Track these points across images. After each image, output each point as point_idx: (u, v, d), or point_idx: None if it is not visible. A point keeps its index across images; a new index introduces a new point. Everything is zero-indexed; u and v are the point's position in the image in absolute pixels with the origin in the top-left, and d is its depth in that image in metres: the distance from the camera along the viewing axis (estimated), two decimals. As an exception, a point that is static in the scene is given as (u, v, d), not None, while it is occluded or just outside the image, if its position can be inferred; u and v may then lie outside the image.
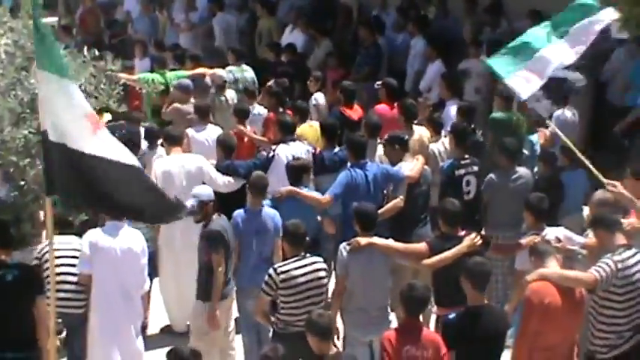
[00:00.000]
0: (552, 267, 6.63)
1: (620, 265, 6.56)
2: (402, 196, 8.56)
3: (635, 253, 6.71)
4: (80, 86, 7.56)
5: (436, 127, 9.84)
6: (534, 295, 6.45)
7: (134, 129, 10.02)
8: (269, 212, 8.08)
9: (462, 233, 7.38)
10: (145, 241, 7.68)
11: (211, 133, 10.10)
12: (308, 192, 8.45)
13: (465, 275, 6.49)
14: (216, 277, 7.63)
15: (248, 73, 12.71)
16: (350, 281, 7.23)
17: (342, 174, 8.55)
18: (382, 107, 10.79)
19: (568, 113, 10.65)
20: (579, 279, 6.57)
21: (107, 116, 10.16)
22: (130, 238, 7.46)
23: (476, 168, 8.97)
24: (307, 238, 7.40)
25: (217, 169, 9.02)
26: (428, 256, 7.21)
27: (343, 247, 7.28)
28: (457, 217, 7.44)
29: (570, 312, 6.48)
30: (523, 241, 7.48)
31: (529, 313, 6.44)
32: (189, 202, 7.52)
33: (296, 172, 8.47)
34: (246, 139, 10.37)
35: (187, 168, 8.91)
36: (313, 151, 9.42)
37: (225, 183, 8.97)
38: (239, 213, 8.04)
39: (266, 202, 8.21)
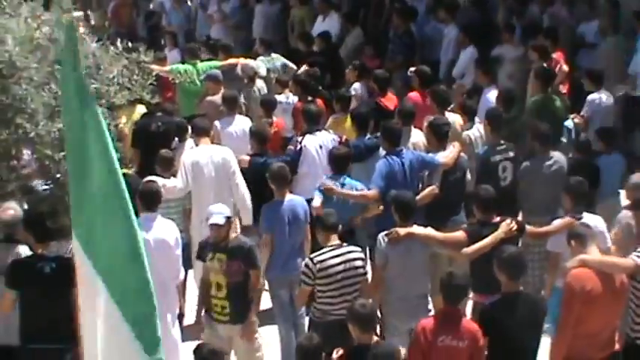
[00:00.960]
0: (593, 252, 6.55)
1: None
2: (437, 183, 8.53)
3: None
4: (114, 78, 7.60)
5: (469, 114, 9.77)
6: (575, 281, 6.37)
7: (168, 121, 10.06)
8: (298, 201, 8.10)
9: (497, 219, 7.34)
10: (179, 232, 7.70)
11: (239, 124, 10.13)
12: (353, 191, 8.38)
13: (499, 266, 6.44)
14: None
15: (278, 61, 12.71)
16: (389, 271, 7.21)
17: (380, 163, 8.50)
18: (415, 95, 10.73)
19: (603, 96, 10.52)
20: (620, 265, 6.50)
21: (141, 108, 10.21)
22: (163, 229, 7.48)
23: (512, 154, 8.89)
24: (341, 227, 7.40)
25: (253, 165, 8.97)
26: (466, 244, 7.17)
27: (382, 237, 7.26)
28: (491, 203, 7.39)
29: (612, 298, 6.40)
30: (557, 222, 7.39)
31: (570, 300, 6.36)
32: (217, 219, 7.29)
33: (340, 161, 8.44)
34: (273, 130, 10.31)
35: (215, 159, 8.95)
36: (339, 139, 9.41)
37: (243, 192, 8.97)
38: (269, 205, 8.05)
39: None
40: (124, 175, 8.38)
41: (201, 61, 12.39)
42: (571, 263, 6.51)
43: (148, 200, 7.48)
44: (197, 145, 9.22)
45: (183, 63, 12.50)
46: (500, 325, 6.31)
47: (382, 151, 8.77)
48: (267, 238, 7.95)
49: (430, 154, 8.74)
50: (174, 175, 8.83)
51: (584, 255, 6.49)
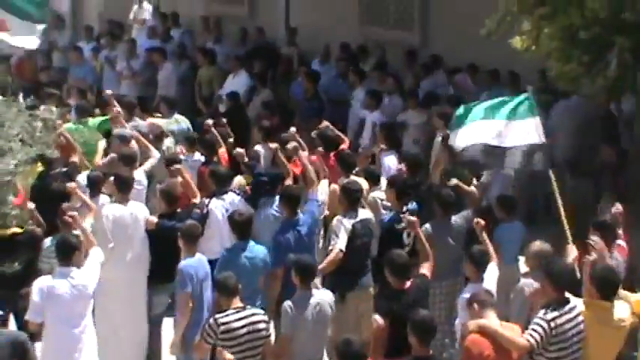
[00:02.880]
0: (491, 318, 6.67)
1: (552, 325, 6.63)
2: (342, 247, 8.56)
3: (571, 309, 6.77)
4: (17, 134, 7.47)
5: (374, 179, 9.89)
6: (474, 346, 6.51)
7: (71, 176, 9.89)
8: (204, 260, 8.15)
9: (408, 285, 7.41)
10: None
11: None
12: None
13: (411, 329, 6.47)
14: None
15: (184, 123, 12.65)
16: (295, 338, 7.21)
17: (278, 238, 8.55)
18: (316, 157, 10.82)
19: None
20: (513, 343, 6.60)
21: (39, 167, 9.97)
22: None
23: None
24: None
25: (162, 227, 8.90)
26: (528, 349, 6.70)
27: (288, 306, 7.25)
28: (407, 269, 7.47)
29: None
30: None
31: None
32: None
33: (243, 226, 8.36)
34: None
35: (136, 216, 8.93)
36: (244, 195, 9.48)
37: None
38: (186, 264, 8.01)
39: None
40: (25, 232, 8.29)
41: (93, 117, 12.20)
42: (471, 326, 6.61)
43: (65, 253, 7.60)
44: (117, 200, 9.06)
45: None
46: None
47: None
48: (187, 296, 7.89)
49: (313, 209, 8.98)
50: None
51: (484, 320, 6.60)
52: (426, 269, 7.83)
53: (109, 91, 12.86)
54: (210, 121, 11.86)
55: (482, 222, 8.43)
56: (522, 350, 6.58)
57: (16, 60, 17.29)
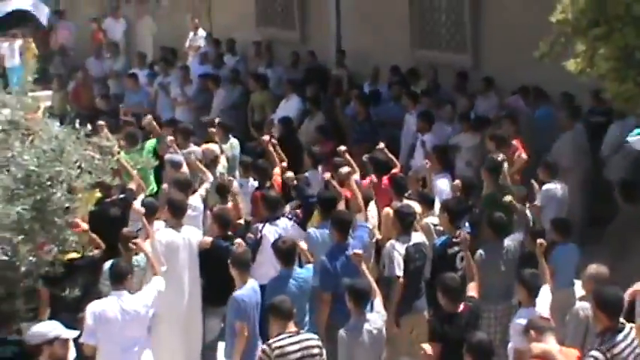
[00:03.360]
0: (550, 343, 6.59)
1: (608, 355, 6.50)
2: (400, 274, 8.61)
3: (626, 336, 6.65)
4: (76, 161, 7.61)
5: (427, 203, 9.89)
6: None
7: (126, 204, 10.05)
8: (257, 287, 8.15)
9: (461, 308, 7.40)
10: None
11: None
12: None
13: (468, 351, 6.49)
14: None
15: (237, 149, 12.80)
16: None
17: (324, 262, 8.50)
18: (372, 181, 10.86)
19: (558, 186, 10.67)
20: None
21: (98, 194, 10.14)
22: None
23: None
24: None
25: (216, 247, 8.94)
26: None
27: (344, 333, 7.26)
28: (459, 293, 7.47)
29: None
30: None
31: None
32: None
33: (287, 254, 8.36)
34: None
35: (190, 240, 9.01)
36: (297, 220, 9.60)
37: None
38: (241, 294, 7.98)
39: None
40: (84, 257, 8.44)
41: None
42: (534, 350, 6.53)
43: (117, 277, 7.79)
44: (170, 225, 9.13)
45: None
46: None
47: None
48: (244, 326, 7.89)
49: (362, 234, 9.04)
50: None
51: (545, 345, 6.52)
52: (473, 291, 7.82)
53: (149, 117, 12.98)
54: (267, 137, 11.96)
55: (544, 243, 8.38)
56: None
57: (73, 87, 17.59)
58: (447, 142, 12.75)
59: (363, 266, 8.07)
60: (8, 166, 7.45)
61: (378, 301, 7.69)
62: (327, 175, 10.41)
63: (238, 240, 8.52)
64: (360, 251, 8.21)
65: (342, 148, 11.37)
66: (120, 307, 7.62)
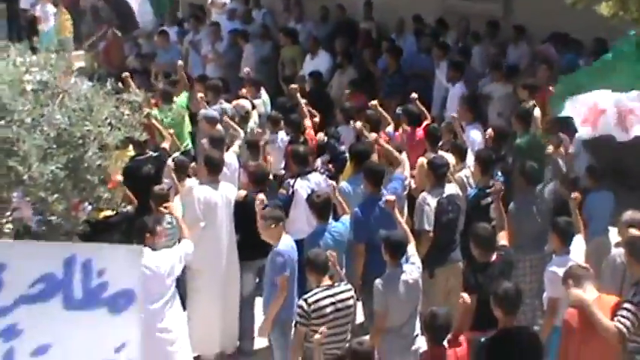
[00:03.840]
0: (589, 292, 6.53)
1: None
2: (430, 227, 8.63)
3: None
4: (106, 119, 7.64)
5: (461, 153, 9.84)
6: (573, 319, 6.42)
7: (160, 161, 10.10)
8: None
9: (494, 258, 7.37)
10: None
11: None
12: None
13: (495, 301, 6.48)
14: None
15: (268, 105, 12.80)
16: (389, 314, 7.25)
17: (358, 213, 8.51)
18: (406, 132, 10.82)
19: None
20: (604, 329, 6.35)
21: (130, 151, 10.22)
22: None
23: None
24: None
25: (250, 200, 8.87)
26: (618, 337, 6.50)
27: (379, 284, 7.27)
28: (491, 242, 7.47)
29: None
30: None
31: (567, 337, 6.40)
32: None
33: (322, 208, 8.36)
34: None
35: (227, 197, 9.04)
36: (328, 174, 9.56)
37: None
38: (281, 250, 7.97)
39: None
40: (118, 214, 8.52)
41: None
42: (572, 298, 6.50)
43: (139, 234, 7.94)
44: (207, 182, 9.13)
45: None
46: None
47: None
48: (284, 281, 7.90)
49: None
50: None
51: (583, 294, 6.47)
52: (504, 240, 7.81)
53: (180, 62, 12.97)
54: (295, 85, 11.93)
55: (579, 196, 8.32)
56: (612, 338, 6.36)
57: (103, 46, 17.62)
58: (478, 92, 12.66)
59: (397, 213, 8.06)
60: (41, 125, 7.48)
61: (412, 247, 7.65)
62: (359, 124, 10.38)
63: (260, 196, 8.50)
64: (392, 197, 8.19)
65: (374, 102, 11.31)
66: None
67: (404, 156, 10.06)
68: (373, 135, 10.13)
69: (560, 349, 6.54)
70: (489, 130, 10.34)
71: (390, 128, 10.91)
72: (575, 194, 8.39)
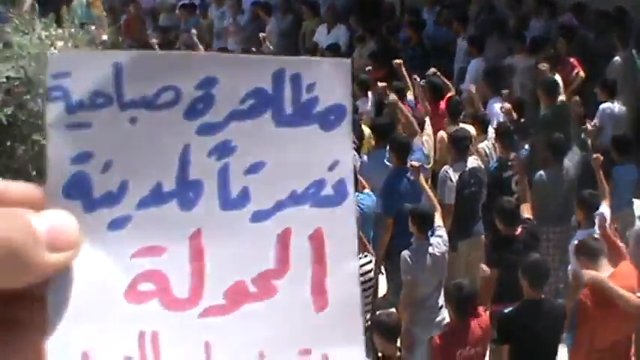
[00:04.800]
0: (603, 267, 6.49)
1: None
2: (451, 201, 8.58)
3: None
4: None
5: (483, 125, 9.78)
6: (587, 298, 6.38)
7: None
8: None
9: (519, 231, 7.38)
10: None
11: None
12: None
13: (522, 272, 6.48)
14: None
15: None
16: (416, 285, 7.28)
17: (387, 185, 8.49)
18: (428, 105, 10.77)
19: (616, 106, 10.51)
20: (628, 302, 6.28)
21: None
22: None
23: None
24: None
25: None
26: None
27: (407, 255, 7.29)
28: (515, 215, 7.45)
29: (626, 314, 6.35)
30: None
31: (583, 317, 6.39)
32: None
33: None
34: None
35: None
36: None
37: None
38: None
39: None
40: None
41: None
42: (586, 277, 6.45)
43: None
44: None
45: None
46: (521, 332, 6.35)
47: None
48: None
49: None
50: None
51: (597, 274, 6.40)
52: (527, 213, 7.79)
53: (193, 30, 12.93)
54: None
55: (601, 157, 8.27)
56: (634, 310, 6.30)
57: (125, 20, 17.61)
58: (501, 64, 12.59)
59: (422, 180, 8.05)
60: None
61: (438, 218, 7.64)
62: (382, 85, 10.32)
63: None
64: (416, 163, 8.18)
65: (398, 61, 11.20)
66: None
67: (428, 125, 9.99)
68: (393, 96, 10.02)
69: (576, 331, 6.50)
70: (506, 104, 10.28)
71: (410, 95, 10.83)
72: (596, 155, 8.33)
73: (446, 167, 8.79)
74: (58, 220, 0.68)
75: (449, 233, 8.18)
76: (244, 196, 0.80)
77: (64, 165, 0.76)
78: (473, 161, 8.86)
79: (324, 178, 0.81)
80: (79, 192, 0.76)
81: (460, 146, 8.79)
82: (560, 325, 6.54)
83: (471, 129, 9.66)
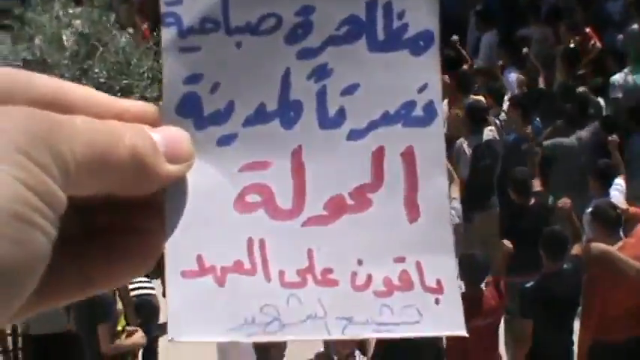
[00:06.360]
0: (614, 236, 6.51)
1: None
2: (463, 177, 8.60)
3: None
4: (143, 73, 7.71)
5: (497, 97, 9.78)
6: (595, 271, 6.41)
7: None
8: None
9: (533, 202, 7.38)
10: None
11: None
12: None
13: (542, 245, 6.49)
14: None
15: None
16: None
17: None
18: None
19: (629, 77, 10.47)
20: (638, 271, 6.27)
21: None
22: None
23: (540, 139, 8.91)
24: None
25: None
26: None
27: None
28: (529, 185, 7.46)
29: (638, 282, 6.31)
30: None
31: (592, 289, 6.42)
32: None
33: None
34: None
35: None
36: None
37: None
38: None
39: None
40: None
41: None
42: (593, 250, 6.44)
43: None
44: None
45: None
46: (543, 306, 6.38)
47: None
48: None
49: None
50: None
51: (604, 246, 6.38)
52: (538, 186, 7.79)
53: None
54: None
55: (616, 138, 8.27)
56: None
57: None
58: (515, 36, 12.55)
59: None
60: (80, 80, 7.56)
61: (454, 189, 7.63)
62: None
63: None
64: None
65: None
66: None
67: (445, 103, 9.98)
68: None
69: (586, 301, 6.51)
70: (520, 76, 10.25)
71: None
72: (612, 137, 8.33)
73: (461, 140, 8.79)
74: (174, 135, 0.74)
75: (463, 206, 8.22)
76: (341, 116, 0.88)
77: (177, 85, 0.82)
78: (488, 133, 8.85)
79: (414, 99, 0.88)
80: (190, 111, 0.81)
81: (477, 118, 8.77)
82: (579, 293, 6.56)
83: (483, 101, 9.65)
